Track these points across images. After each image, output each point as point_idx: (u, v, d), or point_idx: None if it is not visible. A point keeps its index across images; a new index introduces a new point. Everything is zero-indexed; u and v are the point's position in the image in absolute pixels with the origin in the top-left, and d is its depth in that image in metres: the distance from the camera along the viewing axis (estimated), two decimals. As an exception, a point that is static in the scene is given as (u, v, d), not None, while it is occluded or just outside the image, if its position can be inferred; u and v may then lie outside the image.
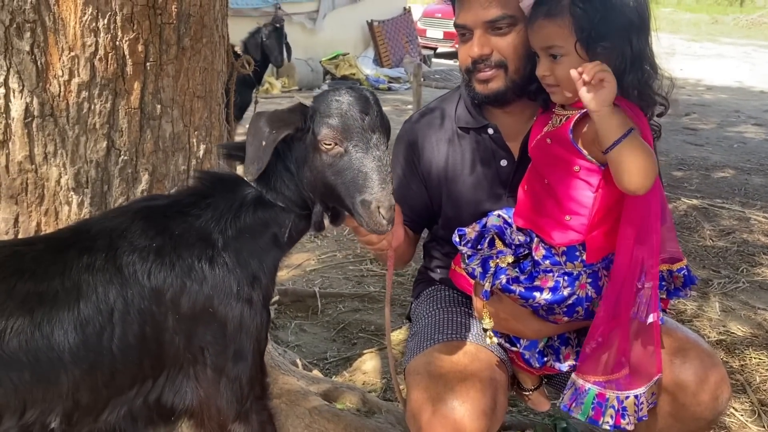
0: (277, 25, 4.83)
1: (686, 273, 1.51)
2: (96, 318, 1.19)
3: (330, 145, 1.29)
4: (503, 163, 1.70)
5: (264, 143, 1.26)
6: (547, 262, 1.46)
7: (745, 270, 3.66)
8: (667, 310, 1.71)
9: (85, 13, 1.48)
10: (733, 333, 2.95)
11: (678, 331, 1.56)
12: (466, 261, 1.51)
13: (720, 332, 2.95)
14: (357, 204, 1.28)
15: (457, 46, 1.71)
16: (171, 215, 1.32)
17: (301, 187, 1.37)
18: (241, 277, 1.31)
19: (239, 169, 1.41)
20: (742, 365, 2.69)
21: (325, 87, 9.82)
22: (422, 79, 6.52)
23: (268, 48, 4.66)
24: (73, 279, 1.19)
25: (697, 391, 1.46)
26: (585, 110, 1.39)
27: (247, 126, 1.32)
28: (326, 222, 1.44)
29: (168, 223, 1.30)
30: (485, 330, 1.56)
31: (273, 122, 1.28)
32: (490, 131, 1.70)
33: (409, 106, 7.44)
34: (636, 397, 1.44)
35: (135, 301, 1.22)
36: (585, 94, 1.32)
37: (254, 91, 4.40)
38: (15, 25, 1.45)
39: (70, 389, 1.18)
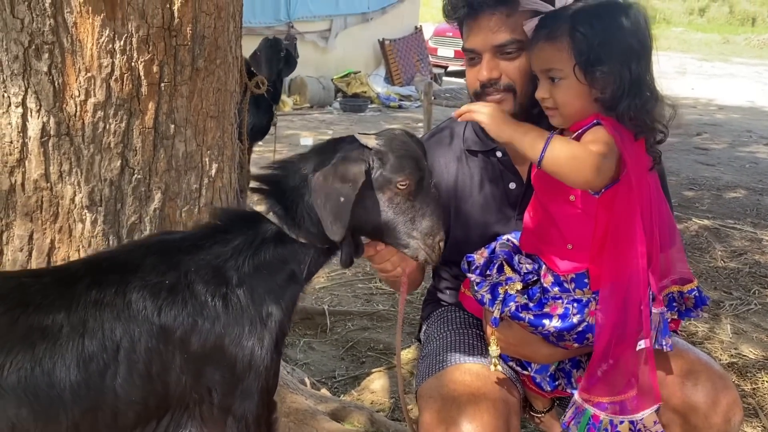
0: (270, 37, 4.78)
1: (697, 294, 1.51)
2: (100, 355, 1.15)
3: (404, 186, 1.33)
4: (512, 185, 1.71)
5: (343, 199, 1.27)
6: (556, 289, 1.46)
7: (757, 292, 3.63)
8: (678, 332, 1.71)
9: (102, 35, 1.51)
10: (744, 356, 2.93)
11: (689, 353, 1.55)
12: (475, 288, 1.51)
13: (732, 355, 2.93)
14: (419, 239, 1.35)
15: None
16: (186, 250, 1.30)
17: None
18: (254, 315, 1.28)
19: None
20: (754, 389, 2.66)
21: (336, 105, 9.90)
22: (433, 98, 6.55)
23: (259, 59, 4.56)
24: (79, 314, 1.16)
25: (708, 413, 1.45)
26: (576, 135, 1.40)
27: (314, 185, 1.31)
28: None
29: (183, 258, 1.28)
30: (492, 356, 1.56)
31: (344, 176, 1.29)
32: (499, 154, 1.71)
33: (420, 124, 7.47)
34: (632, 423, 1.43)
35: (142, 339, 1.19)
36: None
37: (273, 108, 4.32)
38: (34, 47, 1.49)
39: (69, 429, 1.13)
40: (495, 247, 1.56)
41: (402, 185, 1.33)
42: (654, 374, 1.43)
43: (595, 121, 1.40)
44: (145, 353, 1.19)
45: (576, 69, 1.39)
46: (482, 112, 1.42)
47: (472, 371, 1.59)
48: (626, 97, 1.38)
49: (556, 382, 1.60)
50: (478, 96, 1.64)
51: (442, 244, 1.37)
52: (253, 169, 1.79)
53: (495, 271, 1.50)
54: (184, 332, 1.22)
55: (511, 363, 1.63)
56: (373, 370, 2.74)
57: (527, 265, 1.51)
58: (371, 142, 1.36)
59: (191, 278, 1.25)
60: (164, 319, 1.21)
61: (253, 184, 1.44)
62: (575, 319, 1.43)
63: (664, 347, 1.45)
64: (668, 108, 1.44)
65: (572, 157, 1.35)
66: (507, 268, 1.52)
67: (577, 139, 1.41)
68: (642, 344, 1.40)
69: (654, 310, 1.43)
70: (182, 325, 1.22)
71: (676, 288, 1.51)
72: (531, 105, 1.58)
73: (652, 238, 1.44)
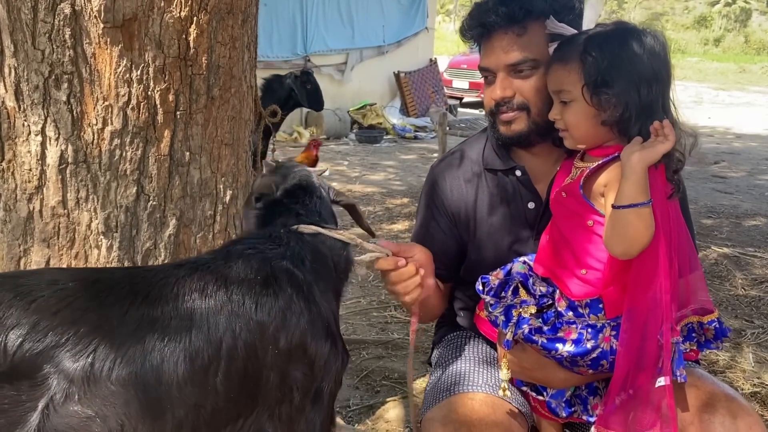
0: (307, 70, 4.91)
1: (717, 326, 1.48)
2: (206, 350, 1.12)
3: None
4: (531, 205, 1.70)
5: None
6: (570, 313, 1.45)
7: (779, 320, 3.56)
8: (700, 361, 1.67)
9: (119, 65, 1.55)
10: (767, 385, 2.86)
11: (708, 383, 1.51)
12: (489, 309, 1.51)
13: (754, 384, 2.86)
14: None
15: (482, 95, 1.75)
16: (260, 250, 1.31)
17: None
18: (325, 313, 1.28)
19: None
20: (778, 419, 2.60)
21: (352, 136, 9.99)
22: (447, 128, 6.60)
23: (305, 92, 4.68)
24: (186, 306, 1.14)
25: None
26: (597, 164, 1.40)
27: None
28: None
29: (265, 256, 1.29)
30: (502, 380, 1.54)
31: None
32: (518, 173, 1.70)
33: (435, 155, 7.51)
34: None
35: (242, 335, 1.16)
36: (639, 148, 1.34)
37: (271, 138, 4.40)
38: (54, 77, 1.53)
39: (173, 427, 1.10)
40: (510, 269, 1.55)
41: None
42: (674, 412, 1.40)
43: (616, 154, 1.39)
44: (245, 349, 1.16)
45: (584, 90, 1.40)
46: (660, 147, 1.34)
47: (478, 400, 1.57)
48: (636, 121, 1.38)
49: (572, 409, 1.57)
50: (494, 114, 1.65)
51: None
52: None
53: (510, 293, 1.49)
54: (275, 328, 1.20)
55: (525, 388, 1.60)
56: (388, 399, 2.72)
57: (542, 288, 1.50)
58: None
59: (277, 274, 1.25)
60: (260, 314, 1.19)
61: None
62: (589, 345, 1.42)
63: (679, 378, 1.41)
64: (689, 137, 1.43)
65: (636, 234, 1.33)
66: (522, 291, 1.50)
67: (599, 168, 1.41)
68: (662, 381, 1.37)
69: (671, 340, 1.41)
70: (275, 320, 1.20)
71: (695, 318, 1.49)
72: (546, 124, 1.58)
73: (672, 266, 1.42)
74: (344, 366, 1.32)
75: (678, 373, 1.41)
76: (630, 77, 1.38)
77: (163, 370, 1.09)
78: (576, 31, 1.50)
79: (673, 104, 1.44)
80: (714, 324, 1.48)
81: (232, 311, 1.16)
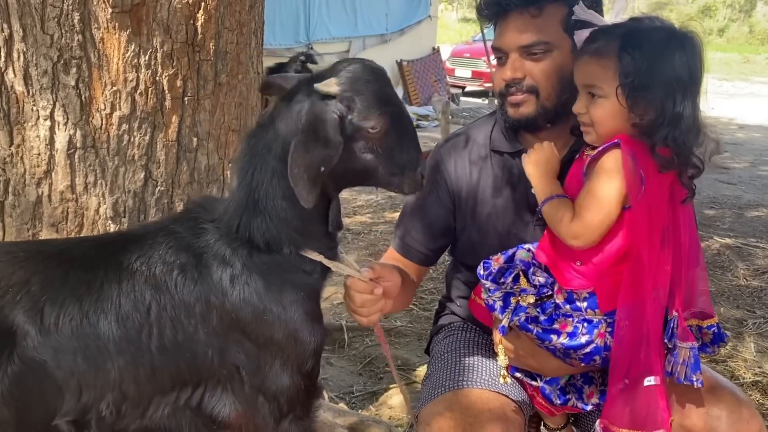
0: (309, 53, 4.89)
1: (716, 331, 1.48)
2: (134, 315, 1.23)
3: (376, 130, 1.23)
4: (534, 190, 1.70)
5: (323, 168, 1.22)
6: (568, 306, 1.44)
7: (781, 310, 3.57)
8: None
9: (127, 50, 1.56)
10: (769, 374, 2.88)
11: (706, 375, 1.51)
12: (488, 293, 1.50)
13: (755, 373, 2.88)
14: (400, 174, 1.29)
15: (486, 84, 1.74)
16: (192, 233, 1.32)
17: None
18: (270, 300, 1.29)
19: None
20: (779, 408, 2.61)
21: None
22: (450, 117, 6.59)
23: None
24: (115, 273, 1.25)
25: None
26: (598, 150, 1.39)
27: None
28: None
29: (191, 241, 1.31)
30: (500, 366, 1.54)
31: (324, 139, 1.22)
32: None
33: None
34: None
35: (167, 308, 1.25)
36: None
37: None
38: (62, 62, 1.53)
39: (117, 379, 1.23)
40: (513, 255, 1.54)
41: (374, 130, 1.22)
42: (668, 412, 1.39)
43: (616, 141, 1.36)
44: (170, 321, 1.25)
45: (618, 91, 1.35)
46: (530, 160, 1.51)
47: (478, 395, 1.57)
48: (664, 127, 1.34)
49: (567, 396, 1.57)
50: (503, 96, 1.63)
51: (425, 172, 1.31)
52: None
53: (510, 279, 1.49)
54: (201, 310, 1.26)
55: (519, 374, 1.60)
56: (391, 386, 2.73)
57: (540, 279, 1.49)
58: (333, 88, 1.21)
59: (204, 259, 1.29)
60: (180, 294, 1.26)
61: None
62: (583, 339, 1.42)
63: (695, 383, 1.40)
64: (711, 142, 1.40)
65: (555, 224, 1.43)
66: (522, 279, 1.50)
67: (598, 156, 1.39)
68: (651, 380, 1.36)
69: (684, 345, 1.40)
70: (197, 302, 1.26)
71: (695, 322, 1.48)
72: (554, 109, 1.57)
73: (680, 268, 1.41)
74: (306, 348, 1.32)
75: (694, 378, 1.39)
76: (668, 82, 1.33)
77: (100, 327, 1.22)
78: (604, 19, 1.45)
79: (698, 108, 1.39)
80: (713, 329, 1.47)
81: (156, 285, 1.25)
